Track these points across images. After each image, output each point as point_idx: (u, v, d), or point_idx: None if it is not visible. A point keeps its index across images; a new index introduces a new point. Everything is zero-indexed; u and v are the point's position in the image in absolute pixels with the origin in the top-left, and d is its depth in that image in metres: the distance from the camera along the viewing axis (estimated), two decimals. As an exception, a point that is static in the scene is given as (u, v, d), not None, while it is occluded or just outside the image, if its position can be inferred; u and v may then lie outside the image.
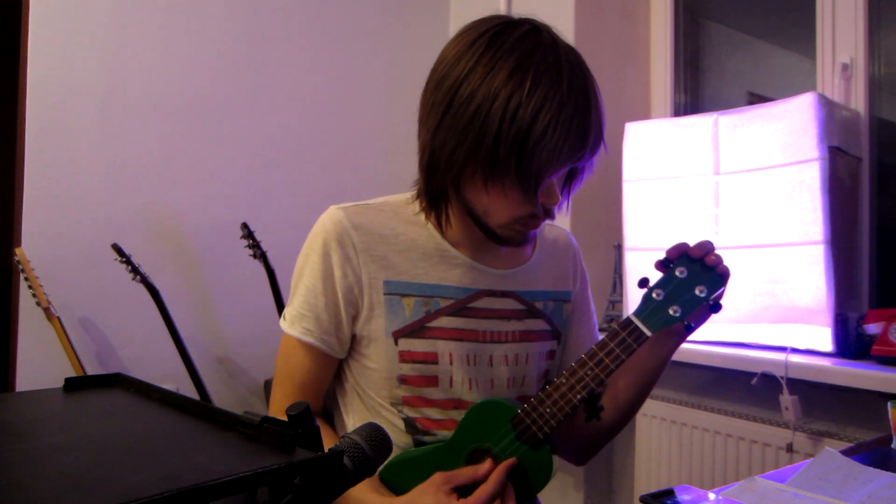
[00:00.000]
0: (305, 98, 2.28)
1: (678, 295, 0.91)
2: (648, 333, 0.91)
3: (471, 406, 0.99)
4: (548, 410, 0.93)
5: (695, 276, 0.91)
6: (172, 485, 0.43)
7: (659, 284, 0.92)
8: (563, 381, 0.93)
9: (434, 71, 0.95)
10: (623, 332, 0.92)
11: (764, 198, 1.69)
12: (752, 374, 1.63)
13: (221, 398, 2.10)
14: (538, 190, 0.90)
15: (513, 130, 0.85)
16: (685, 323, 0.93)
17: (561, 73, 0.87)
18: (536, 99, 0.85)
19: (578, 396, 0.92)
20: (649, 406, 1.92)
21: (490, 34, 0.90)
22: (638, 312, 0.92)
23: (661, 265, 0.94)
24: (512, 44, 0.88)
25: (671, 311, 0.90)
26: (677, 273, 0.91)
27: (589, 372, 0.92)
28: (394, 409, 1.02)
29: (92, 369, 1.87)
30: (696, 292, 0.90)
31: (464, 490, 0.92)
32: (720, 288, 0.91)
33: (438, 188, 0.96)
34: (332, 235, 0.99)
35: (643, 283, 0.93)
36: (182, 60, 2.06)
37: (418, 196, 1.02)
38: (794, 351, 1.62)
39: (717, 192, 1.79)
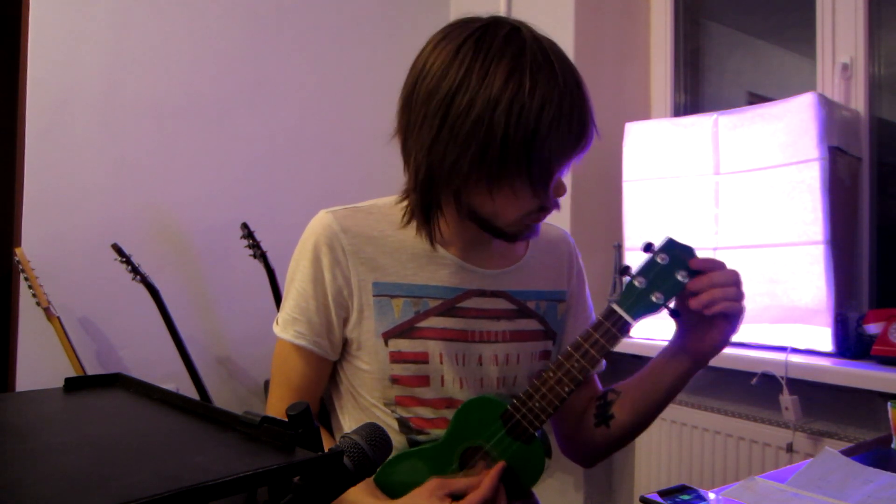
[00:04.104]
0: (305, 98, 2.28)
1: (660, 281, 0.91)
2: (631, 321, 0.91)
3: (461, 404, 0.99)
4: (537, 405, 0.93)
5: (676, 262, 0.91)
6: (172, 485, 0.43)
7: (640, 272, 0.92)
8: (551, 374, 0.93)
9: (418, 83, 0.92)
10: (607, 322, 0.92)
11: (764, 198, 1.69)
12: (752, 374, 1.63)
13: (221, 398, 2.10)
14: (549, 185, 0.91)
15: (520, 132, 0.86)
16: (670, 308, 0.93)
17: (554, 68, 0.88)
18: (538, 98, 0.86)
19: (567, 389, 0.92)
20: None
21: (473, 39, 0.90)
22: (620, 301, 0.92)
23: (647, 248, 0.94)
24: (499, 47, 0.88)
25: (653, 298, 0.90)
26: (659, 259, 0.91)
27: (575, 364, 0.92)
28: (387, 409, 1.02)
29: (92, 369, 1.87)
30: (679, 278, 0.90)
31: (459, 497, 0.92)
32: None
33: (435, 202, 0.96)
34: (322, 239, 1.00)
35: (624, 270, 0.94)
36: (182, 60, 2.06)
37: (411, 212, 1.00)
38: (794, 351, 1.62)
39: (717, 192, 1.79)
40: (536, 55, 0.88)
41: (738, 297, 0.91)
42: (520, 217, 0.95)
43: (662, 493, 0.89)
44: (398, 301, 1.01)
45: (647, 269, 0.92)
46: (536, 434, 0.94)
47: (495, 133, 0.86)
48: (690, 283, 0.91)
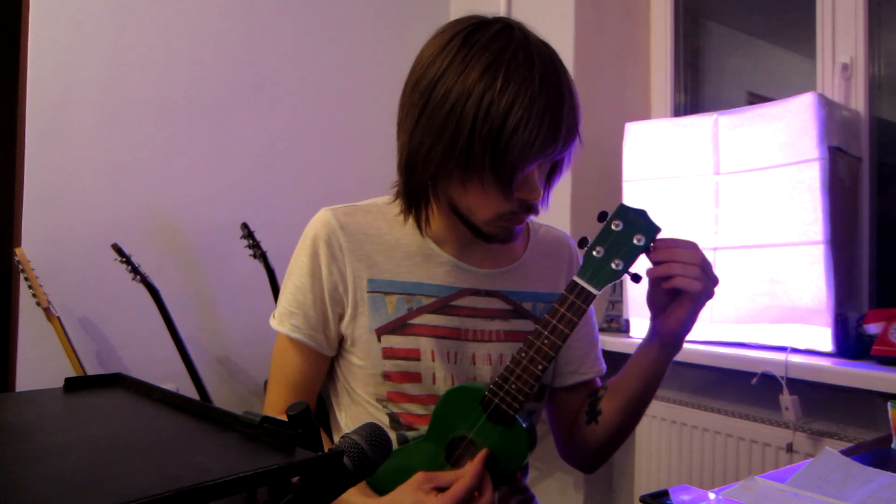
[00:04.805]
0: (305, 98, 2.28)
1: (618, 248, 0.92)
2: (595, 292, 0.92)
3: (440, 397, 0.99)
4: (513, 386, 0.93)
5: (631, 227, 0.92)
6: (172, 485, 0.43)
7: (597, 241, 0.93)
8: (523, 354, 0.93)
9: (411, 73, 0.96)
10: (571, 296, 0.92)
11: (764, 198, 1.69)
12: (752, 374, 1.63)
13: (221, 398, 2.10)
14: (513, 185, 0.91)
15: (486, 127, 0.86)
16: (630, 273, 0.93)
17: (533, 69, 0.88)
18: (508, 96, 0.86)
19: (540, 367, 0.92)
20: (649, 406, 1.92)
21: (463, 34, 0.91)
22: (581, 273, 0.93)
23: (601, 217, 0.94)
24: (485, 42, 0.89)
25: (613, 266, 0.91)
26: (613, 227, 0.92)
27: (546, 341, 0.92)
28: (379, 404, 1.03)
29: (92, 369, 1.87)
30: (635, 242, 0.91)
31: (446, 489, 0.92)
32: (656, 232, 0.92)
33: (417, 189, 0.97)
34: (321, 236, 1.02)
35: (582, 242, 0.94)
36: (182, 60, 2.06)
37: (397, 197, 1.03)
38: (794, 351, 1.62)
39: (717, 192, 1.79)
40: (518, 54, 0.88)
41: (699, 276, 0.91)
42: (495, 217, 0.95)
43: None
44: (392, 298, 1.02)
45: (603, 237, 0.93)
46: (517, 417, 0.94)
47: (464, 125, 0.87)
48: (652, 255, 0.92)
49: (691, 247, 0.93)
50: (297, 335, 1.02)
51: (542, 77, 0.88)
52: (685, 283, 0.91)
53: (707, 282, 0.91)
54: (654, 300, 0.97)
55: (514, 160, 0.88)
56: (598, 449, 1.10)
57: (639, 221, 0.92)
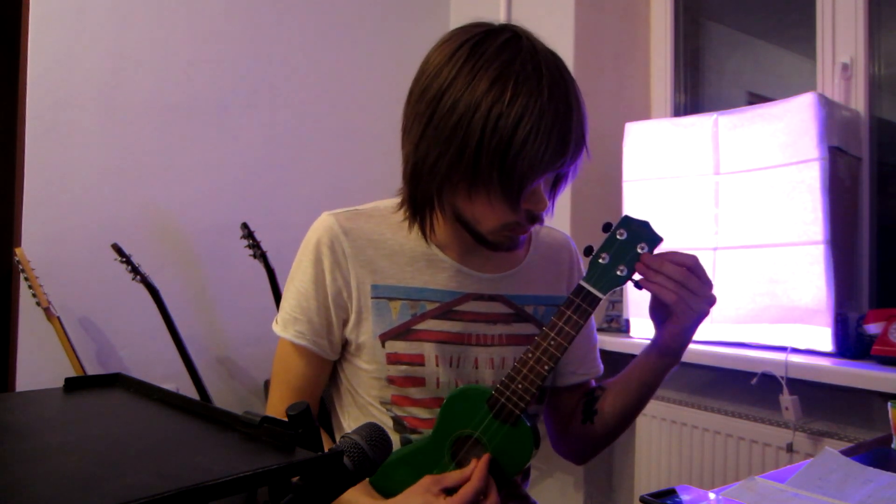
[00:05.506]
0: (305, 98, 2.28)
1: (622, 255, 0.95)
2: (600, 296, 0.95)
3: (447, 396, 1.00)
4: (520, 386, 0.95)
5: (635, 236, 0.95)
6: (172, 485, 0.43)
7: (603, 249, 0.96)
8: (530, 355, 0.95)
9: (416, 81, 0.95)
10: (577, 299, 0.95)
11: (764, 198, 1.69)
12: (752, 374, 1.63)
13: (221, 398, 2.10)
14: (520, 198, 0.91)
15: (494, 140, 0.86)
16: (634, 280, 0.95)
17: (541, 81, 0.87)
18: (517, 108, 0.86)
19: (546, 367, 0.94)
20: (649, 406, 1.90)
21: (471, 43, 0.90)
22: (587, 278, 0.96)
23: (606, 228, 0.97)
24: (492, 53, 0.89)
25: (618, 272, 0.95)
26: (618, 236, 0.96)
27: (552, 342, 0.94)
28: (383, 407, 1.03)
29: (92, 369, 1.87)
30: (638, 250, 0.95)
31: (453, 491, 0.93)
32: (659, 242, 0.95)
33: (422, 198, 0.97)
34: (324, 241, 1.02)
35: (589, 250, 0.97)
36: (182, 60, 2.06)
37: (402, 205, 1.03)
38: (794, 351, 1.62)
39: (717, 192, 1.79)
40: (526, 66, 0.88)
41: (675, 288, 0.91)
42: (500, 227, 0.95)
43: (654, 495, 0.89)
44: (396, 303, 1.02)
45: (608, 245, 0.96)
46: (522, 416, 0.96)
47: (471, 138, 0.87)
48: (640, 267, 0.93)
49: (680, 262, 0.93)
50: (300, 341, 1.02)
51: (551, 89, 0.88)
52: (658, 291, 0.93)
53: (685, 295, 0.92)
54: (654, 312, 1.00)
55: (521, 174, 0.88)
56: (592, 445, 1.13)
57: (642, 231, 0.95)
